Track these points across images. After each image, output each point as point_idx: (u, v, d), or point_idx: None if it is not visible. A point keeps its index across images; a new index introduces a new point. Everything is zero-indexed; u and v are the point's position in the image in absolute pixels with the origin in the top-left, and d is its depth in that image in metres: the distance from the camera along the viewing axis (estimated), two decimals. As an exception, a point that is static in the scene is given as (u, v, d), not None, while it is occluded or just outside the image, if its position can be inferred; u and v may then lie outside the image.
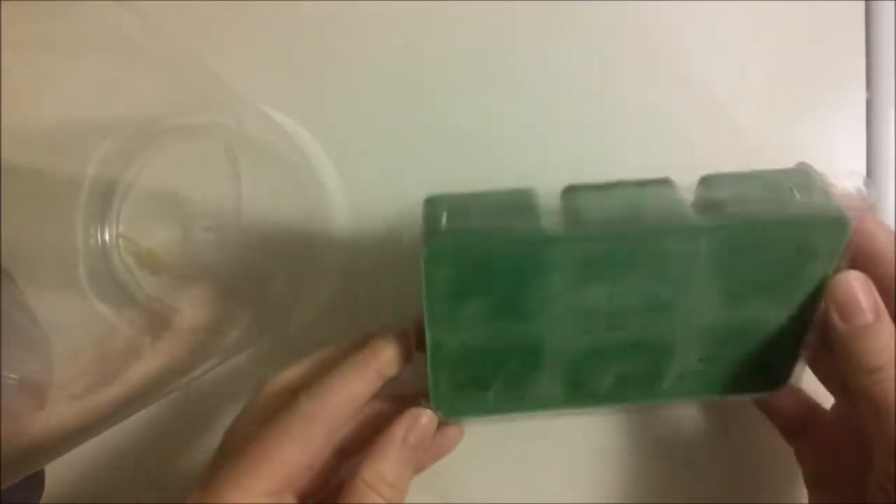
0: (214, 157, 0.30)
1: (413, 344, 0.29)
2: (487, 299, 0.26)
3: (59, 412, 0.25)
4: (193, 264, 0.31)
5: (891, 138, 0.35)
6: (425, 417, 0.29)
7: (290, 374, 0.30)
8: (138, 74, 0.29)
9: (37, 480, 0.35)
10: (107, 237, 0.29)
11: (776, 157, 0.36)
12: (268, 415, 0.27)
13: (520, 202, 0.26)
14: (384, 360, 0.29)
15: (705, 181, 0.27)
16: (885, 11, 0.36)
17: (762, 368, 0.29)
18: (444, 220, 0.25)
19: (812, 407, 0.31)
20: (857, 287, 0.25)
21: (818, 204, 0.25)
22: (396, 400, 0.31)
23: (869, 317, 0.25)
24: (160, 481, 0.38)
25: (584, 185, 0.27)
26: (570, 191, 0.27)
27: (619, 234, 0.25)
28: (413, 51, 0.37)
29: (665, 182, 0.26)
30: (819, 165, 0.36)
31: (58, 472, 0.37)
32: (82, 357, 0.27)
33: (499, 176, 0.36)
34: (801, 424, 0.31)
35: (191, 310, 0.31)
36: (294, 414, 0.27)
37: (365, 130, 0.37)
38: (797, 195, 0.25)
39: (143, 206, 0.30)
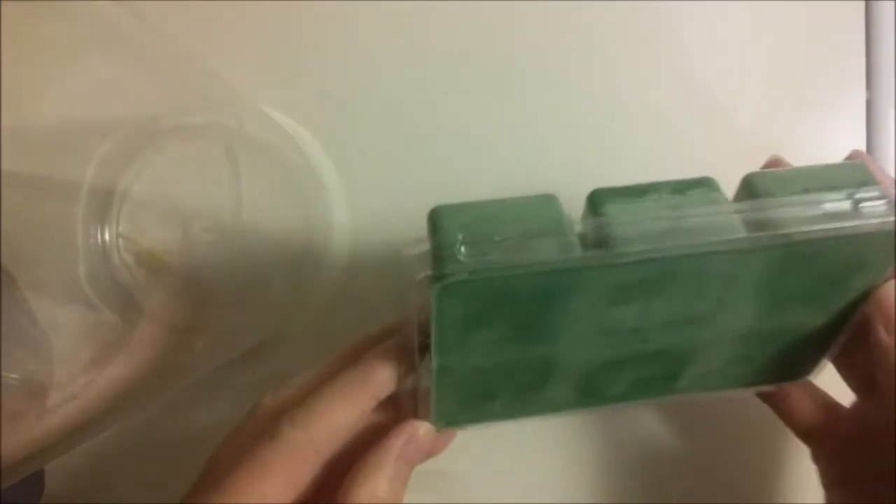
0: (214, 157, 0.30)
1: (413, 358, 0.26)
2: (504, 327, 0.24)
3: (58, 412, 0.25)
4: (193, 264, 0.31)
5: (891, 138, 0.35)
6: (422, 430, 0.26)
7: (283, 395, 0.27)
8: (138, 74, 0.29)
9: (37, 480, 0.35)
10: (107, 237, 0.29)
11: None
12: (254, 442, 0.25)
13: (542, 215, 0.23)
14: (378, 382, 0.26)
15: (749, 182, 0.24)
16: (885, 11, 0.36)
17: (786, 364, 0.29)
18: (459, 244, 0.22)
19: (831, 405, 0.30)
20: None
21: (876, 211, 0.22)
22: (389, 406, 0.27)
23: None
24: (160, 481, 0.38)
25: (611, 190, 0.23)
26: (597, 199, 0.23)
27: (658, 259, 0.22)
28: (413, 51, 0.37)
29: (704, 183, 0.24)
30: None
31: (58, 472, 0.37)
32: (82, 357, 0.27)
33: (499, 175, 0.36)
34: (818, 423, 0.30)
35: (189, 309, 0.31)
36: (276, 445, 0.24)
37: (365, 130, 0.37)
38: (855, 198, 0.23)
39: (143, 206, 0.30)
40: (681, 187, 0.23)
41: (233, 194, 0.29)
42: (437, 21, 0.37)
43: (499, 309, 0.23)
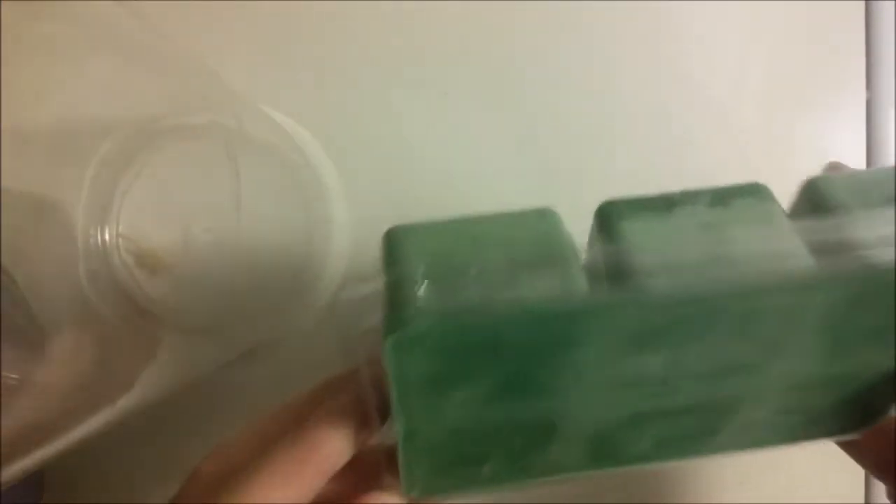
0: (214, 158, 0.30)
1: (375, 418, 0.21)
2: (487, 384, 0.18)
3: (59, 412, 0.25)
4: (193, 264, 0.31)
5: (891, 138, 0.35)
6: (389, 499, 0.21)
7: (222, 458, 0.23)
8: (138, 75, 0.29)
9: (37, 480, 0.35)
10: (107, 237, 0.29)
11: (776, 157, 0.36)
12: None
13: (536, 237, 0.17)
14: (326, 456, 0.20)
15: (814, 189, 0.18)
16: (885, 11, 0.36)
17: (853, 409, 0.22)
18: (420, 282, 0.16)
19: None
20: None
21: None
22: (351, 470, 0.22)
23: None
24: (161, 481, 0.37)
25: (629, 203, 0.17)
26: (610, 215, 0.17)
27: (696, 299, 0.16)
28: (413, 51, 0.37)
29: (754, 192, 0.17)
30: (819, 166, 0.36)
31: (58, 471, 0.37)
32: (82, 357, 0.27)
33: (498, 175, 0.36)
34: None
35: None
36: None
37: (364, 130, 0.37)
38: None
39: (143, 206, 0.30)
40: (723, 197, 0.17)
41: (233, 194, 0.29)
42: (438, 21, 0.37)
43: (479, 363, 0.17)
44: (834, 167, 0.24)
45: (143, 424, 0.37)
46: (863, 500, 0.35)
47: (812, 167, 0.36)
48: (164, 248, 0.30)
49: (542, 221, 0.17)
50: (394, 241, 0.17)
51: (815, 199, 0.18)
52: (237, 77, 0.34)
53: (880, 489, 0.35)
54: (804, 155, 0.36)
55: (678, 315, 0.17)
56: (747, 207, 0.17)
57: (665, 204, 0.17)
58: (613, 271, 0.16)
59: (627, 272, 0.16)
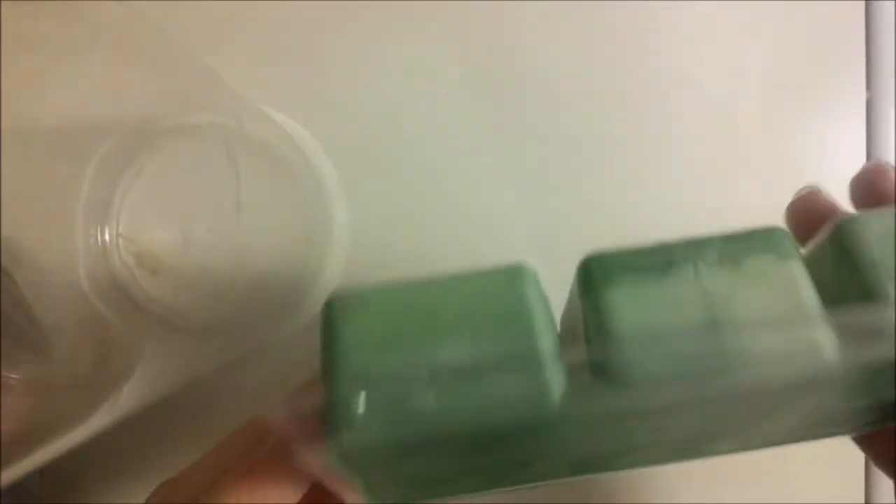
0: (214, 158, 0.30)
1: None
2: (450, 462, 0.16)
3: (59, 412, 0.25)
4: (193, 265, 0.31)
5: (891, 138, 0.35)
6: None
7: (183, 488, 0.22)
8: (138, 74, 0.29)
9: (37, 480, 0.35)
10: (107, 237, 0.29)
11: (775, 158, 0.36)
12: None
13: (503, 313, 0.14)
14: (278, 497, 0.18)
15: (841, 240, 0.14)
16: (885, 11, 0.36)
17: (864, 414, 0.19)
18: (358, 394, 0.13)
19: None
20: None
21: None
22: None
23: None
24: (161, 481, 0.37)
25: (617, 258, 0.14)
26: (595, 275, 0.14)
27: (694, 399, 0.13)
28: (413, 51, 0.37)
29: (770, 244, 0.14)
30: (819, 166, 0.36)
31: (58, 471, 0.37)
32: (82, 357, 0.27)
33: (499, 174, 0.36)
34: None
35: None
36: None
37: (365, 130, 0.37)
38: None
39: (143, 207, 0.30)
40: (733, 253, 0.14)
41: (233, 194, 0.29)
42: (438, 21, 0.37)
43: (438, 452, 0.15)
44: (812, 193, 0.20)
45: (143, 424, 0.37)
46: (863, 501, 0.35)
47: (812, 167, 0.36)
48: (164, 249, 0.30)
49: (512, 287, 0.14)
50: (333, 320, 0.14)
51: (845, 258, 0.14)
52: (237, 77, 0.34)
53: (880, 489, 0.35)
54: (804, 155, 0.36)
55: (670, 406, 0.14)
56: (763, 270, 0.14)
57: (661, 262, 0.14)
58: (597, 356, 0.13)
59: (619, 376, 0.13)
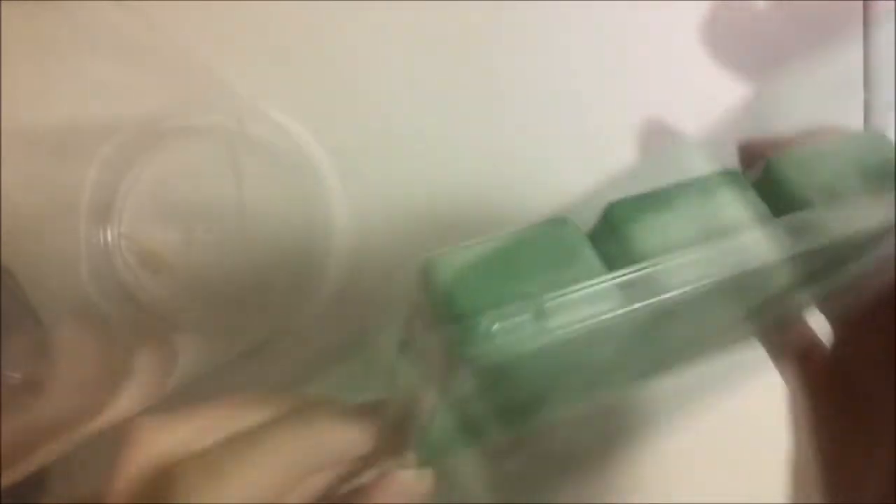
0: (216, 158, 0.30)
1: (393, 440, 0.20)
2: (505, 396, 0.20)
3: (61, 411, 0.25)
4: (195, 264, 0.31)
5: (890, 139, 0.35)
6: (411, 479, 0.20)
7: (167, 439, 0.19)
8: (140, 75, 0.29)
9: (37, 480, 0.35)
10: (109, 237, 0.30)
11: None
12: None
13: (567, 254, 0.18)
14: (329, 452, 0.19)
15: (771, 174, 0.20)
16: (884, 12, 0.36)
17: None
18: (485, 316, 0.16)
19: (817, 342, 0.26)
20: None
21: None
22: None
23: None
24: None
25: (633, 203, 0.19)
26: (618, 217, 0.19)
27: (706, 291, 0.18)
28: (414, 52, 0.37)
29: (731, 179, 0.20)
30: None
31: (58, 471, 0.37)
32: (84, 356, 0.27)
33: (499, 176, 0.36)
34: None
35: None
36: None
37: (366, 131, 0.37)
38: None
39: (145, 207, 0.30)
40: (706, 186, 0.19)
41: (234, 195, 0.29)
42: (438, 22, 0.37)
43: (500, 385, 0.19)
44: (745, 147, 0.24)
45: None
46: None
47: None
48: (166, 248, 0.30)
49: (562, 235, 0.18)
50: (432, 271, 0.17)
51: (776, 189, 0.20)
52: (238, 78, 0.34)
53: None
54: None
55: (688, 303, 0.18)
56: (729, 194, 0.19)
57: (664, 200, 0.19)
58: (636, 280, 0.17)
59: (654, 285, 0.17)
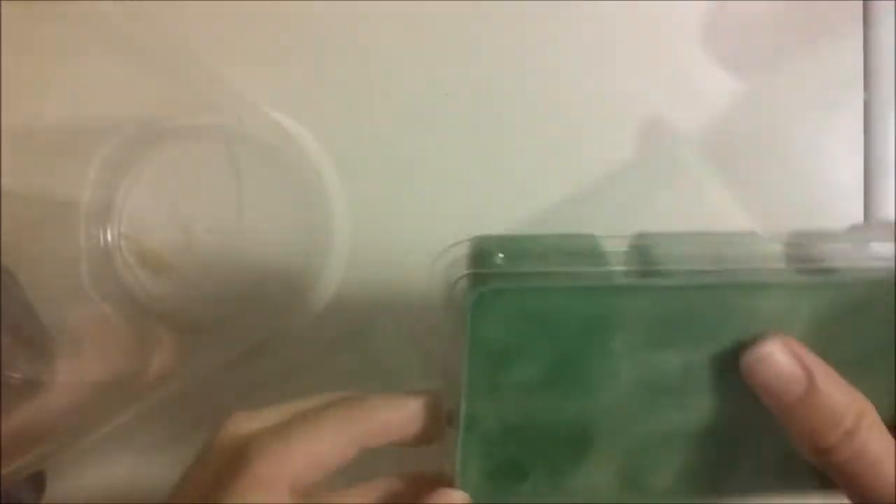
0: (216, 158, 0.30)
1: (441, 415, 0.23)
2: (539, 363, 0.22)
3: (61, 411, 0.25)
4: (195, 264, 0.31)
5: (889, 139, 0.35)
6: (457, 498, 0.22)
7: (249, 426, 0.22)
8: (139, 75, 0.29)
9: (38, 480, 0.35)
10: (109, 237, 0.30)
11: (774, 158, 0.36)
12: (215, 483, 0.21)
13: (584, 246, 0.22)
14: (380, 422, 0.22)
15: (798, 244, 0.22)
16: (884, 11, 0.36)
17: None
18: (498, 258, 0.21)
19: None
20: None
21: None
22: (415, 480, 0.24)
23: None
24: (161, 481, 0.38)
25: (656, 233, 0.22)
26: (641, 236, 0.22)
27: (706, 285, 0.20)
28: (415, 53, 0.37)
29: (751, 234, 0.22)
30: (817, 167, 0.36)
31: (59, 471, 0.37)
32: (84, 356, 0.27)
33: (501, 177, 0.36)
34: None
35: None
36: (242, 482, 0.20)
37: (366, 131, 0.37)
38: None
39: (145, 207, 0.30)
40: (727, 234, 0.22)
41: (234, 195, 0.29)
42: (440, 23, 0.37)
43: (535, 336, 0.21)
44: None
45: (143, 423, 0.37)
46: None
47: (810, 169, 0.36)
48: (166, 248, 0.30)
49: (588, 238, 0.22)
50: (479, 241, 0.21)
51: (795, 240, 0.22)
52: (239, 78, 0.34)
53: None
54: (802, 157, 0.36)
55: (692, 304, 0.21)
56: (743, 239, 0.22)
57: (684, 233, 0.22)
58: (646, 272, 0.21)
59: (657, 272, 0.21)
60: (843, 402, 0.20)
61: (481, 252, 0.21)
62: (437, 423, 0.22)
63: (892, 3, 0.36)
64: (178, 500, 0.22)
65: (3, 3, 0.22)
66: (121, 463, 0.37)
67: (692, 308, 0.20)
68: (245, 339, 0.35)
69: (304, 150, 0.36)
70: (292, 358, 0.37)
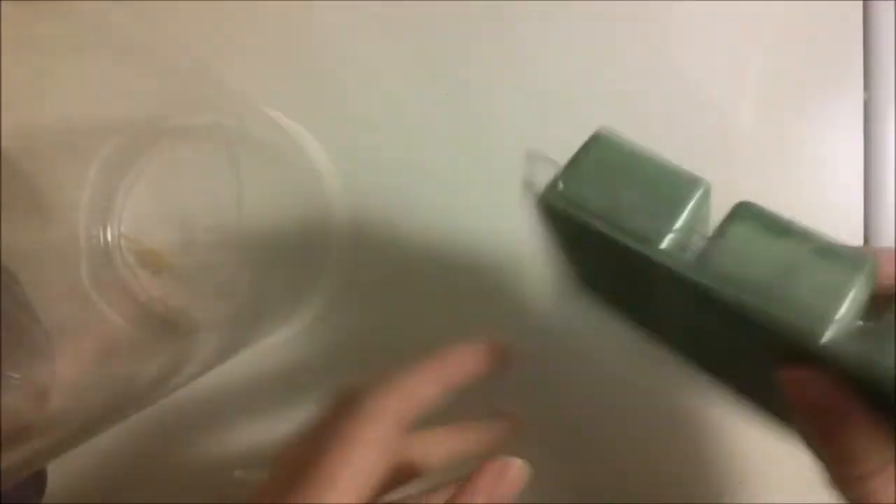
0: (216, 158, 0.30)
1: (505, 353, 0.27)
2: (601, 259, 0.24)
3: (61, 411, 0.25)
4: (195, 264, 0.31)
5: (889, 139, 0.35)
6: (514, 468, 0.24)
7: (361, 380, 0.26)
8: (139, 75, 0.29)
9: (38, 480, 0.35)
10: (109, 237, 0.30)
11: (774, 159, 0.36)
12: (341, 410, 0.25)
13: (674, 194, 0.21)
14: (454, 370, 0.26)
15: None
16: (883, 11, 0.36)
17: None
18: (560, 178, 0.22)
19: None
20: None
21: None
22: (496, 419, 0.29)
23: None
24: (161, 481, 0.38)
25: (758, 212, 0.20)
26: (737, 213, 0.20)
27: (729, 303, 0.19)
28: (413, 52, 0.37)
29: (859, 266, 0.18)
30: (817, 167, 0.36)
31: (59, 471, 0.37)
32: (84, 357, 0.27)
33: (499, 174, 0.36)
34: None
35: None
36: (359, 416, 0.23)
37: (366, 132, 0.37)
38: None
39: (145, 207, 0.30)
40: (828, 253, 0.18)
41: (234, 195, 0.29)
42: (438, 23, 0.37)
43: (591, 246, 0.22)
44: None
45: (143, 424, 0.37)
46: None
47: (810, 168, 0.36)
48: (165, 248, 0.30)
49: (691, 185, 0.21)
50: (592, 139, 0.22)
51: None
52: (239, 78, 0.34)
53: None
54: (802, 156, 0.36)
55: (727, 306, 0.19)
56: (832, 261, 0.18)
57: (782, 230, 0.19)
58: (700, 255, 0.19)
59: (707, 263, 0.19)
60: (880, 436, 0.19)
61: (581, 154, 0.22)
62: (500, 360, 0.27)
63: (892, 3, 0.36)
64: (301, 439, 0.25)
65: (3, 2, 0.22)
66: (121, 463, 0.37)
67: (725, 308, 0.19)
68: (246, 339, 0.35)
69: (304, 150, 0.36)
70: (293, 357, 0.37)
